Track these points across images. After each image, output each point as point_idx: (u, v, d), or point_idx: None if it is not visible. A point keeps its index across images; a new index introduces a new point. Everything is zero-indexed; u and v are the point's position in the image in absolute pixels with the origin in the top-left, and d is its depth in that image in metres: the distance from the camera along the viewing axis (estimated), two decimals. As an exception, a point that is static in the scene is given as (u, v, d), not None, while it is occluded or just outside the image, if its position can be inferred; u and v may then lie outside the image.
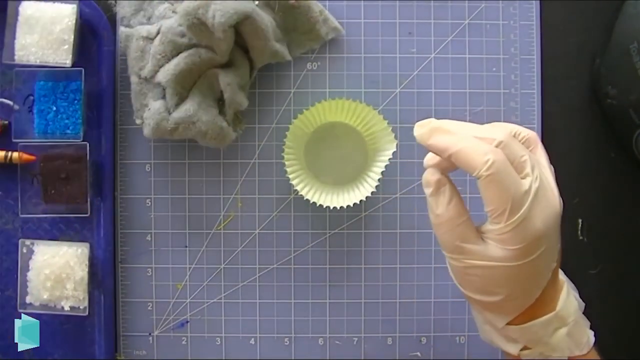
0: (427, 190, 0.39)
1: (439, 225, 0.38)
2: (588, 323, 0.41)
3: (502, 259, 0.36)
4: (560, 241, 0.39)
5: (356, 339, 0.55)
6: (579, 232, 0.56)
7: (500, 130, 0.38)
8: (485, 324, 0.41)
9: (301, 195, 0.51)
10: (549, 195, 0.37)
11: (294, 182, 0.51)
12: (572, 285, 0.42)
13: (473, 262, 0.37)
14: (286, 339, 0.55)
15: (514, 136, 0.39)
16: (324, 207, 0.52)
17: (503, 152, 0.36)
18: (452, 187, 0.38)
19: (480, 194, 0.36)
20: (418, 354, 0.55)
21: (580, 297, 0.42)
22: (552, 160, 0.56)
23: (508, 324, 0.39)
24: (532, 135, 0.40)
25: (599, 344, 0.40)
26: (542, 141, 0.55)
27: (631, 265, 0.56)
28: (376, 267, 0.55)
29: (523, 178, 0.37)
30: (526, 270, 0.36)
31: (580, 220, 0.56)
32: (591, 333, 0.40)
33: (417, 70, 0.55)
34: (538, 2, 0.56)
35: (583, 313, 0.41)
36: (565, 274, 0.41)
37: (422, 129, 0.38)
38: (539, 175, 0.37)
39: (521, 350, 0.39)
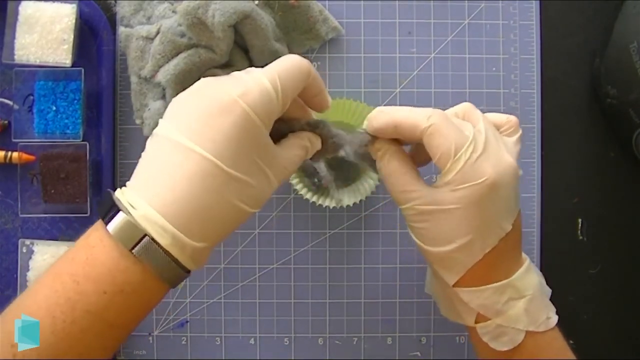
0: (375, 156, 0.42)
1: (386, 178, 0.41)
2: (553, 308, 0.41)
3: (450, 201, 0.37)
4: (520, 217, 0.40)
5: (356, 338, 0.55)
6: (579, 232, 0.56)
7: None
8: (444, 298, 0.42)
9: (301, 195, 0.51)
10: (501, 154, 0.38)
11: (293, 182, 0.51)
12: (539, 272, 0.42)
13: (422, 207, 0.38)
14: (286, 339, 0.55)
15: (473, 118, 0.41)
16: (324, 206, 0.52)
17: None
18: (397, 148, 0.41)
19: (428, 150, 0.39)
20: (418, 353, 0.55)
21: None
22: (552, 159, 0.56)
23: (461, 285, 0.39)
24: (513, 120, 0.42)
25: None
26: (542, 141, 0.55)
27: (631, 265, 0.56)
28: (376, 267, 0.55)
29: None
30: (473, 216, 0.37)
31: (580, 220, 0.56)
32: (554, 315, 0.40)
33: (416, 70, 0.55)
34: (538, 2, 0.56)
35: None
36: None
37: (367, 120, 0.42)
38: (485, 132, 0.38)
39: (479, 322, 0.39)
